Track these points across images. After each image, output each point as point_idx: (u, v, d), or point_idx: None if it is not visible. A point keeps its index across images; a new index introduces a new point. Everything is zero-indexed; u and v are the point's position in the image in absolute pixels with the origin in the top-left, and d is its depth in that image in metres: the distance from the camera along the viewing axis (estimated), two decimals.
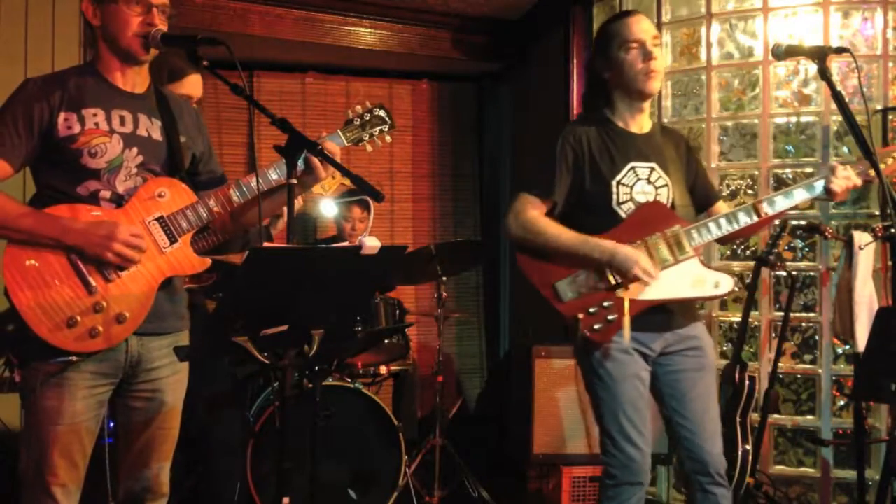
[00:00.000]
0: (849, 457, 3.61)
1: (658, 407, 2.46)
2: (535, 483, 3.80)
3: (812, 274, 3.76)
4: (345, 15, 4.81)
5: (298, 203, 2.08)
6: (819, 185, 2.38)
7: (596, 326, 2.31)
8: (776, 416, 3.72)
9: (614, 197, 2.39)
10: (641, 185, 2.41)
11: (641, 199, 2.39)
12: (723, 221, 2.38)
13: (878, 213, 3.57)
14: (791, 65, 3.78)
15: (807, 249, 3.81)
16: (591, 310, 2.32)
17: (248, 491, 3.25)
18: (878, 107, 3.56)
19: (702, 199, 2.56)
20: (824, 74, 2.21)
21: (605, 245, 2.31)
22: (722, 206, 2.57)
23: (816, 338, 3.73)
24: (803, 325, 3.78)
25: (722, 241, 2.50)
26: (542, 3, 4.86)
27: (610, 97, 2.49)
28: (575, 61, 4.55)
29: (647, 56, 2.39)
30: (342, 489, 3.51)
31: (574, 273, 2.35)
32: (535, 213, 2.39)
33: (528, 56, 5.19)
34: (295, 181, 1.90)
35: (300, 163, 2.04)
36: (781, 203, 2.39)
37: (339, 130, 2.23)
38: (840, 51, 2.27)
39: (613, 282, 2.31)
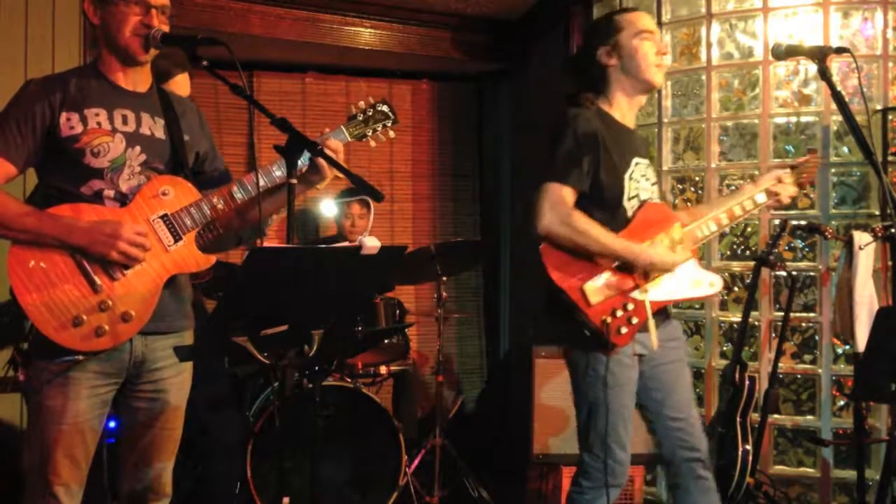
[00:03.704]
0: (849, 457, 3.61)
1: (638, 400, 2.45)
2: (535, 483, 3.79)
3: (812, 274, 3.76)
4: (345, 15, 4.81)
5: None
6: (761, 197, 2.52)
7: (621, 330, 2.28)
8: (776, 416, 3.72)
9: (626, 191, 2.37)
10: (643, 181, 2.42)
11: (643, 195, 2.40)
12: (712, 224, 2.45)
13: (878, 213, 3.57)
14: (791, 65, 3.78)
15: (807, 249, 3.81)
16: (617, 312, 2.29)
17: (249, 491, 3.25)
18: (878, 107, 3.56)
19: None
20: (824, 74, 2.21)
21: (644, 251, 2.29)
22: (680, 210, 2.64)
23: (816, 338, 3.73)
24: (803, 325, 3.78)
25: None
26: (542, 3, 4.85)
27: (609, 88, 2.44)
28: None
29: (661, 49, 2.42)
30: (342, 489, 3.51)
31: (599, 275, 2.30)
32: (572, 207, 2.29)
33: (528, 56, 5.19)
34: (295, 181, 1.91)
35: (305, 161, 2.05)
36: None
37: (342, 126, 2.23)
38: (840, 51, 2.27)
39: (634, 284, 2.31)
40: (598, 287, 2.29)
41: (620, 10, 2.50)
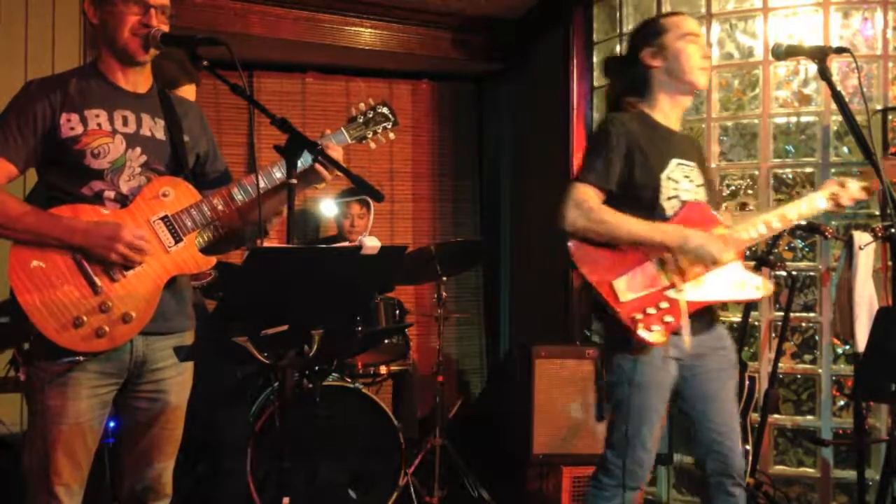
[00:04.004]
0: (849, 457, 3.61)
1: (681, 407, 2.43)
2: (535, 483, 3.80)
3: (812, 274, 3.76)
4: (345, 15, 4.81)
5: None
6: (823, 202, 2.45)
7: (655, 328, 2.26)
8: (776, 416, 3.72)
9: (663, 192, 2.35)
10: (685, 182, 2.40)
11: (685, 196, 2.38)
12: (761, 226, 2.40)
13: (878, 213, 3.57)
14: (791, 65, 3.78)
15: (807, 249, 3.82)
16: (650, 310, 2.26)
17: (248, 491, 3.25)
18: (878, 107, 3.56)
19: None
20: (824, 74, 2.21)
21: (677, 231, 2.28)
22: (724, 215, 2.56)
23: (816, 338, 3.74)
24: (803, 325, 3.78)
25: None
26: (542, 3, 4.86)
27: (651, 90, 2.45)
28: (575, 61, 4.55)
29: (705, 52, 2.44)
30: (342, 489, 3.51)
31: (632, 272, 2.29)
32: (597, 203, 2.31)
33: (528, 56, 5.19)
34: (295, 181, 1.91)
35: (306, 162, 2.05)
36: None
37: (342, 128, 2.23)
38: (840, 51, 2.27)
39: (670, 282, 2.29)
40: (629, 284, 2.27)
41: (666, 14, 2.53)
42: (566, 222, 2.30)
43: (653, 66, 2.42)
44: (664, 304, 2.27)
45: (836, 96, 2.19)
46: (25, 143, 1.97)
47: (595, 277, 2.29)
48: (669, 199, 2.35)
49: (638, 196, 2.33)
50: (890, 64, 3.66)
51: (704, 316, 2.36)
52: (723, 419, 2.39)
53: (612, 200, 2.32)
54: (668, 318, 2.27)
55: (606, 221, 2.27)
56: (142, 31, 2.00)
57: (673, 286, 2.29)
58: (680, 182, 2.38)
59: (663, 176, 2.36)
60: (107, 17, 2.02)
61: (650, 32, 2.46)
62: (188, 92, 2.71)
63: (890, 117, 3.51)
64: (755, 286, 2.39)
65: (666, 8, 4.04)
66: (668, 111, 2.46)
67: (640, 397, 2.30)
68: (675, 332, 2.28)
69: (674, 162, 2.38)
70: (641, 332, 2.24)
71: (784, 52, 2.33)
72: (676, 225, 2.31)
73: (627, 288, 2.27)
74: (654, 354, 2.28)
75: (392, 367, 4.18)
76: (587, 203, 2.29)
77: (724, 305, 3.89)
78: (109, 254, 1.92)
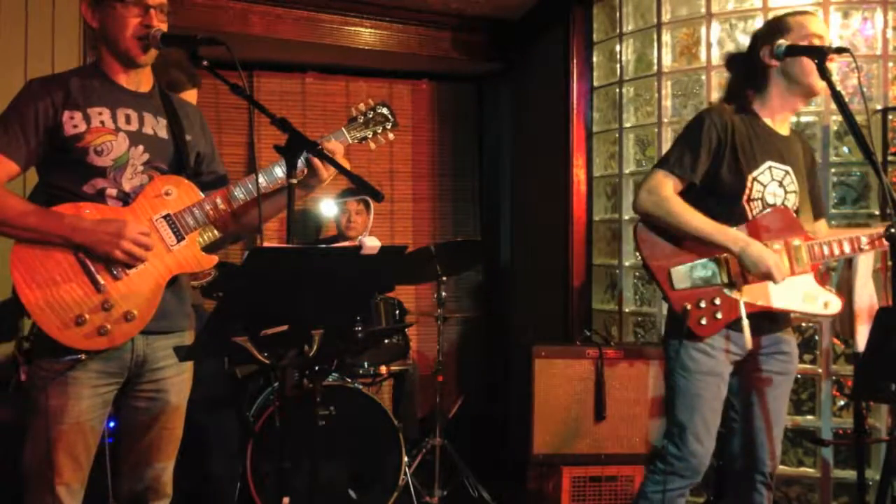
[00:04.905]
0: (849, 457, 3.61)
1: (731, 399, 2.47)
2: (535, 483, 3.79)
3: None
4: (345, 15, 4.81)
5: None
6: None
7: (703, 321, 2.32)
8: None
9: (747, 192, 2.36)
10: (773, 186, 2.40)
11: (771, 200, 2.40)
12: (846, 244, 2.40)
13: (878, 213, 3.57)
14: None
15: None
16: (701, 303, 2.32)
17: (248, 491, 3.25)
18: (878, 107, 3.56)
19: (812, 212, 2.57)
20: (824, 74, 2.21)
21: (740, 236, 2.30)
22: (823, 224, 2.56)
23: (816, 338, 3.73)
24: (803, 325, 3.78)
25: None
26: (542, 3, 4.86)
27: (766, 87, 2.44)
28: (575, 61, 4.55)
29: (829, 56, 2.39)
30: (342, 489, 3.51)
31: (692, 263, 2.34)
32: (670, 193, 2.34)
33: (528, 56, 5.19)
34: (295, 181, 1.91)
35: (304, 163, 2.05)
36: None
37: (343, 128, 2.24)
38: (840, 51, 2.27)
39: (728, 280, 2.33)
40: (686, 273, 2.34)
41: (794, 13, 2.47)
42: (636, 205, 2.37)
43: (770, 64, 2.40)
44: (718, 301, 2.32)
45: (836, 96, 2.19)
46: (27, 141, 1.97)
47: (654, 262, 2.36)
48: (752, 200, 2.37)
49: (721, 192, 2.36)
50: (890, 64, 3.65)
51: (774, 318, 2.39)
52: (770, 420, 2.43)
53: (694, 192, 2.36)
54: (719, 315, 2.32)
55: (676, 214, 2.31)
56: (142, 32, 2.00)
57: (732, 285, 2.32)
58: (767, 185, 2.38)
59: (751, 177, 2.37)
60: (107, 21, 2.02)
61: (773, 30, 2.42)
62: (190, 97, 2.72)
63: (890, 117, 3.51)
64: (824, 302, 2.40)
65: (666, 8, 4.03)
66: (776, 112, 2.45)
67: (691, 384, 2.34)
68: (734, 328, 2.32)
69: (766, 164, 2.39)
70: (690, 322, 2.29)
71: (784, 52, 2.33)
72: (740, 232, 2.32)
73: (683, 277, 2.35)
74: (709, 344, 2.34)
75: (392, 367, 4.18)
76: (661, 191, 2.33)
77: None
78: (114, 251, 1.92)
